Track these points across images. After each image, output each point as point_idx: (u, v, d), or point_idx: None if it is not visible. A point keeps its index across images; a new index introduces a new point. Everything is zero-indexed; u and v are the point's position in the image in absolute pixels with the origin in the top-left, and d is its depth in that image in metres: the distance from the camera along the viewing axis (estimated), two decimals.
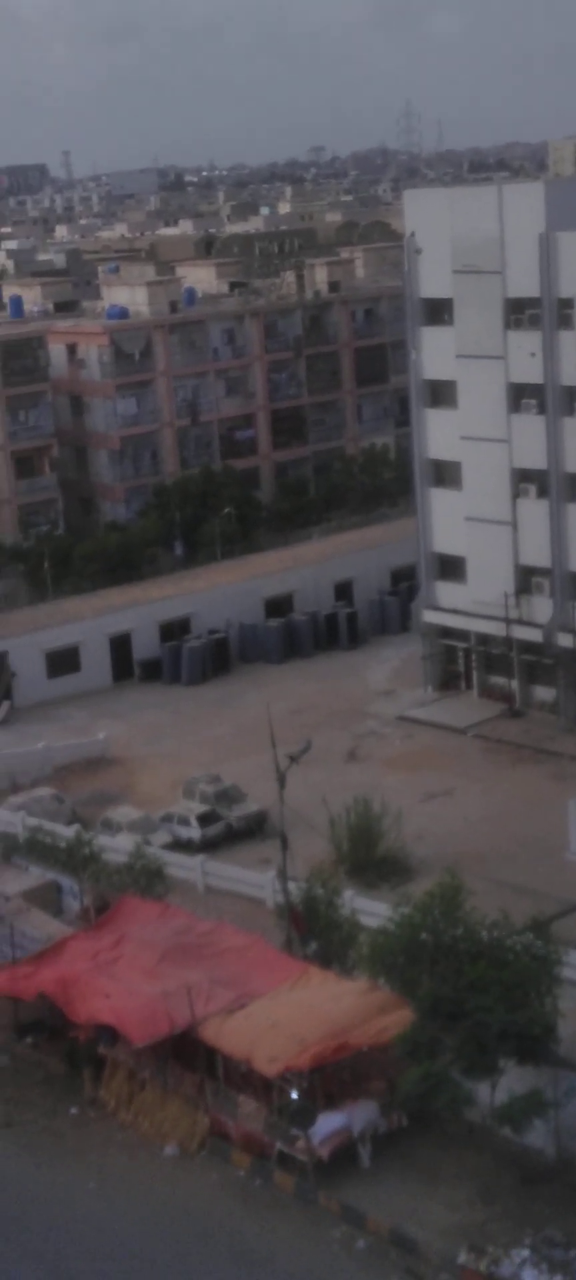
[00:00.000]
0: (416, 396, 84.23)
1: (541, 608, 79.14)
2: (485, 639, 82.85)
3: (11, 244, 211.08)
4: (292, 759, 55.22)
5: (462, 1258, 40.84)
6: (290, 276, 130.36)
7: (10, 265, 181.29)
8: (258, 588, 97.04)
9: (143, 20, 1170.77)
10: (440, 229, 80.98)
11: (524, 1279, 39.80)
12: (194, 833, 68.77)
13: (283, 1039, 47.03)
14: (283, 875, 54.33)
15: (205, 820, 69.19)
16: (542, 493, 78.38)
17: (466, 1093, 44.57)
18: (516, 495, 79.63)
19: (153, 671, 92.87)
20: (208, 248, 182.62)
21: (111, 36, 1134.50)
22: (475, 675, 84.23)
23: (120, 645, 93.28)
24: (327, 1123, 46.27)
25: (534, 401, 78.21)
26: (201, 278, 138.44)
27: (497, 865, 62.63)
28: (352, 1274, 42.20)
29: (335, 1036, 46.71)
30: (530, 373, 78.03)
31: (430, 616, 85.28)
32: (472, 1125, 45.72)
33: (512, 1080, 44.72)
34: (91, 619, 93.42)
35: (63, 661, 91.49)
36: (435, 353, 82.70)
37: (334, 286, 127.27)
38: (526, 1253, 40.47)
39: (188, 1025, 49.04)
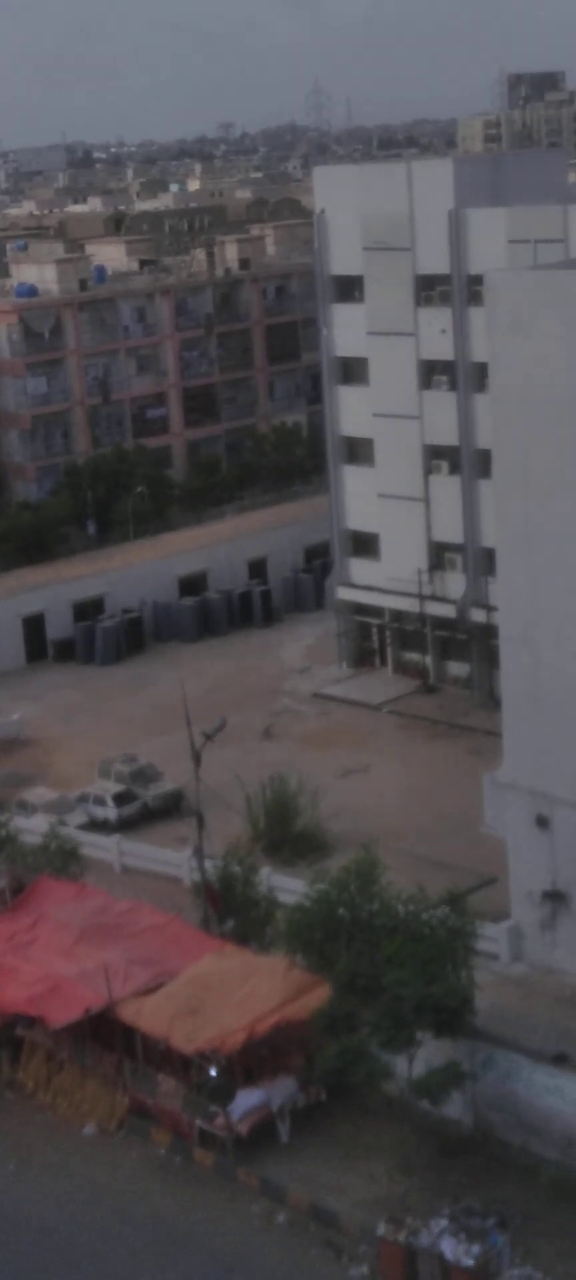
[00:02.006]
0: (328, 374, 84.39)
1: (454, 583, 79.63)
2: (399, 615, 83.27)
3: None
4: (208, 737, 55.25)
5: (382, 1229, 41.15)
6: (200, 254, 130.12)
7: None
8: (171, 566, 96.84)
9: None
10: (350, 206, 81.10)
11: (442, 1249, 40.17)
12: (110, 812, 68.62)
13: (202, 1025, 47.18)
14: (199, 854, 54.41)
15: (121, 800, 69.05)
16: (454, 469, 78.82)
17: (384, 1066, 44.90)
18: (428, 472, 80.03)
19: (66, 651, 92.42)
20: (117, 225, 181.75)
21: (11, 10, 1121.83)
22: (389, 652, 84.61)
23: (33, 625, 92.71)
24: (246, 1099, 46.48)
25: (445, 378, 78.60)
26: (111, 255, 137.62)
27: (413, 840, 63.00)
28: (273, 1248, 42.45)
29: (256, 1021, 46.89)
30: (441, 349, 78.38)
31: (344, 593, 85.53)
32: (391, 1098, 46.08)
33: (430, 1053, 45.13)
34: (3, 599, 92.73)
35: None
36: (346, 330, 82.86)
37: (244, 264, 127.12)
38: (445, 1223, 40.84)
39: (105, 1005, 49.01)
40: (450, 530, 79.38)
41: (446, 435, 78.71)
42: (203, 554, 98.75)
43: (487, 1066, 45.52)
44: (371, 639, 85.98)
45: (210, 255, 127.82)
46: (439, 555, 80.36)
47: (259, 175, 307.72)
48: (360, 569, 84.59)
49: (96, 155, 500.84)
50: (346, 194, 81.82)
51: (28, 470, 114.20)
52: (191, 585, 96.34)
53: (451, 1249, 40.11)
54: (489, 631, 74.95)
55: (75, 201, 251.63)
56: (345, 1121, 46.63)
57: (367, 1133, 46.07)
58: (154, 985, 49.63)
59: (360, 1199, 43.31)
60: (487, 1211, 41.29)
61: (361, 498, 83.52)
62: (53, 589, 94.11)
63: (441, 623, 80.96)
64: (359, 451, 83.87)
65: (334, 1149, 45.72)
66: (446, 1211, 41.40)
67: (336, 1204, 43.26)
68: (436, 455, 79.71)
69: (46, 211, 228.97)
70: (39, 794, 70.20)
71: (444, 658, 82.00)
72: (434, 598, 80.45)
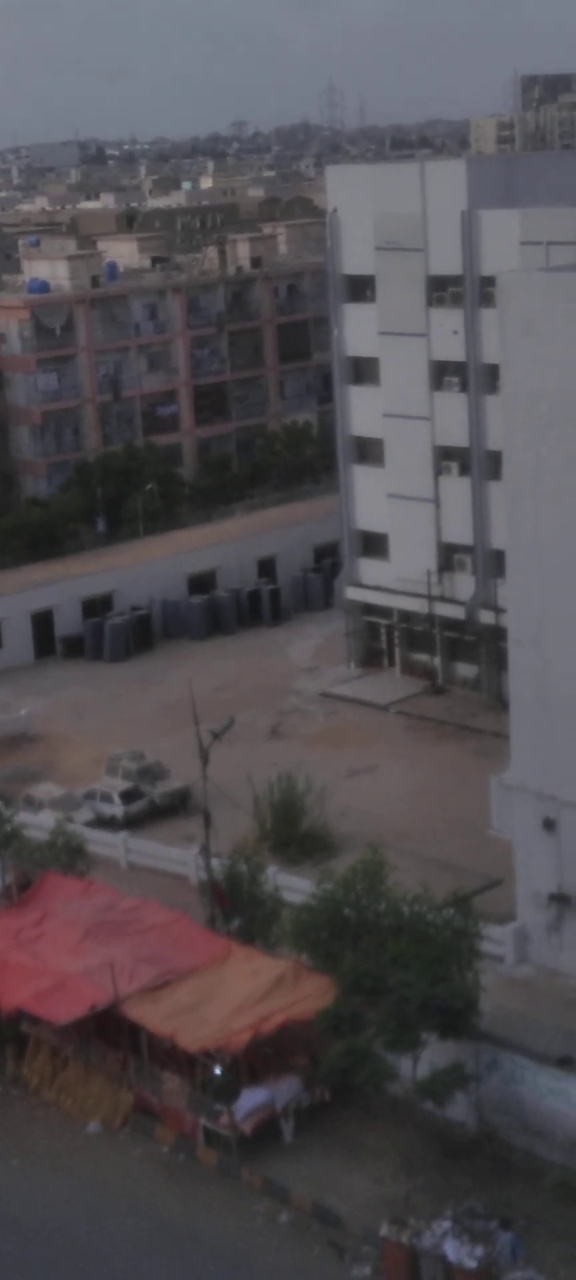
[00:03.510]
0: (339, 373, 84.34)
1: (463, 585, 79.56)
2: (407, 616, 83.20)
3: None
4: (216, 735, 55.21)
5: (385, 1230, 41.12)
6: (212, 252, 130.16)
7: None
8: (180, 564, 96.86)
9: None
10: (362, 206, 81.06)
11: (445, 1250, 40.14)
12: (117, 810, 68.61)
13: (207, 1023, 47.19)
14: (206, 852, 54.38)
15: (128, 797, 69.05)
16: (464, 470, 78.75)
17: (389, 1067, 44.84)
18: (438, 473, 79.98)
19: (75, 648, 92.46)
20: (129, 222, 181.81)
21: (25, 6, 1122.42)
22: (397, 652, 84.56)
23: (42, 621, 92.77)
24: (251, 1098, 46.46)
25: (456, 379, 78.53)
26: (123, 252, 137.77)
27: (420, 841, 62.96)
28: (276, 1248, 42.42)
29: (261, 1020, 46.91)
30: (452, 350, 78.31)
31: (353, 593, 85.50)
32: (395, 1099, 46.01)
33: (434, 1054, 45.06)
34: (13, 595, 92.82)
35: None
36: (358, 329, 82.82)
37: (256, 262, 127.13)
38: (448, 1224, 40.81)
39: (111, 1002, 48.99)
40: (460, 531, 79.32)
41: (457, 436, 78.65)
42: (212, 552, 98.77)
43: (492, 1069, 45.47)
44: (380, 639, 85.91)
45: (222, 253, 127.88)
46: (448, 556, 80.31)
47: (271, 174, 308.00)
48: (369, 569, 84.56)
49: (109, 152, 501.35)
50: (359, 194, 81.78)
51: (38, 467, 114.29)
52: (200, 583, 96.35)
53: (454, 1251, 40.07)
54: (497, 633, 74.88)
55: (88, 198, 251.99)
56: (349, 1122, 46.61)
57: (372, 1133, 46.05)
58: (160, 983, 49.59)
59: (364, 1200, 43.28)
60: (490, 1213, 41.25)
61: (371, 498, 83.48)
62: (62, 585, 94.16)
63: (450, 624, 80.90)
64: (369, 451, 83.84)
65: (338, 1149, 45.70)
66: (449, 1213, 41.38)
67: (340, 1204, 43.23)
68: (446, 456, 79.66)
69: (59, 208, 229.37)
70: (46, 790, 70.21)
71: (452, 659, 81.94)
72: (443, 599, 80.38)
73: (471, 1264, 39.72)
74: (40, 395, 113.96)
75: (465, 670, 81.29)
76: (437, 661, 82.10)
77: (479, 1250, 39.92)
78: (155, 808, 69.18)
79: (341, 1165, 44.96)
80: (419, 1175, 43.91)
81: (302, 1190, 43.94)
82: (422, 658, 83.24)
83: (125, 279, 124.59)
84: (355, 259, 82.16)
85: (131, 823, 67.68)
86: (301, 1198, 43.73)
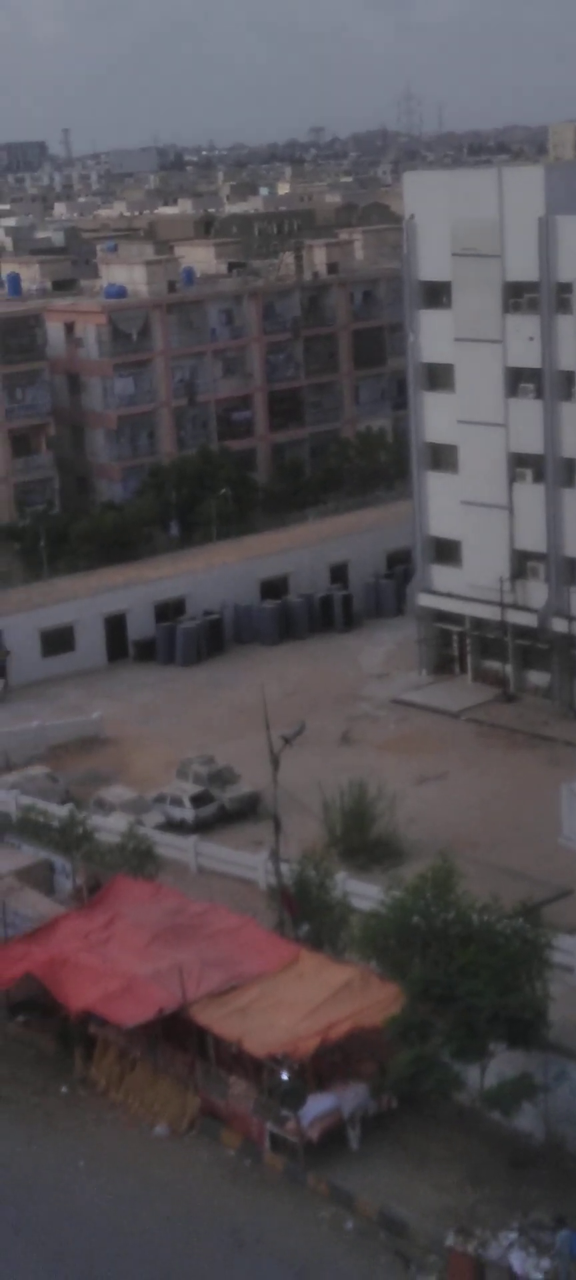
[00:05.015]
0: (414, 379, 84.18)
1: (536, 592, 79.17)
2: (480, 623, 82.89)
3: (10, 221, 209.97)
4: (286, 741, 55.18)
5: (451, 1240, 40.88)
6: (289, 257, 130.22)
7: (8, 243, 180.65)
8: (253, 569, 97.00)
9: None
10: (439, 212, 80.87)
11: (512, 1262, 39.85)
12: (187, 813, 68.80)
13: (275, 1029, 47.13)
14: (275, 857, 54.37)
15: (198, 801, 69.22)
16: (539, 477, 78.34)
17: (456, 1076, 44.64)
18: (513, 479, 79.62)
19: (147, 652, 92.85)
20: (207, 228, 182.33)
21: (103, 14, 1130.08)
22: (469, 659, 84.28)
23: (115, 625, 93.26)
24: (317, 1104, 46.32)
25: (531, 386, 78.15)
26: (200, 258, 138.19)
27: (490, 849, 62.69)
28: (341, 1255, 42.29)
29: (329, 1026, 46.83)
30: (528, 357, 77.96)
31: (425, 600, 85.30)
32: (462, 1108, 45.80)
33: (502, 1064, 44.81)
34: (86, 598, 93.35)
35: (57, 641, 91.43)
36: (433, 336, 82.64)
37: (332, 268, 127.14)
38: (514, 1236, 40.52)
39: (179, 1006, 49.05)
40: (533, 539, 78.95)
41: (531, 443, 78.27)
42: (284, 557, 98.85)
43: (561, 1079, 45.10)
44: (451, 646, 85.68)
45: (298, 259, 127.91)
46: (521, 564, 79.92)
47: (349, 180, 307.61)
48: (442, 576, 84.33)
49: (188, 158, 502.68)
50: (436, 200, 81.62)
51: (113, 470, 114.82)
52: (272, 588, 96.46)
53: (520, 1262, 39.78)
54: (570, 641, 74.51)
55: (165, 203, 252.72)
56: (416, 1130, 46.39)
57: (438, 1142, 45.81)
58: (227, 987, 49.61)
59: (429, 1208, 43.05)
60: (557, 1225, 40.90)
61: (444, 504, 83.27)
62: (135, 589, 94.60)
63: (522, 631, 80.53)
64: (443, 458, 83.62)
65: (404, 1157, 45.49)
66: (516, 1224, 41.09)
67: (406, 1213, 43.02)
68: (521, 463, 79.29)
69: (137, 213, 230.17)
70: (117, 793, 70.53)
71: (524, 667, 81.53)
72: (515, 606, 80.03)
73: (538, 1276, 39.40)
74: (116, 399, 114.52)
75: (537, 678, 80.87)
76: (509, 669, 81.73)
77: (545, 1262, 39.60)
78: (225, 812, 69.32)
79: (408, 1174, 44.75)
80: (485, 1185, 43.65)
81: (368, 1198, 43.79)
82: (494, 665, 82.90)
83: (202, 284, 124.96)
84: (431, 265, 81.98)
85: (201, 827, 67.86)
86: (367, 1205, 43.57)
